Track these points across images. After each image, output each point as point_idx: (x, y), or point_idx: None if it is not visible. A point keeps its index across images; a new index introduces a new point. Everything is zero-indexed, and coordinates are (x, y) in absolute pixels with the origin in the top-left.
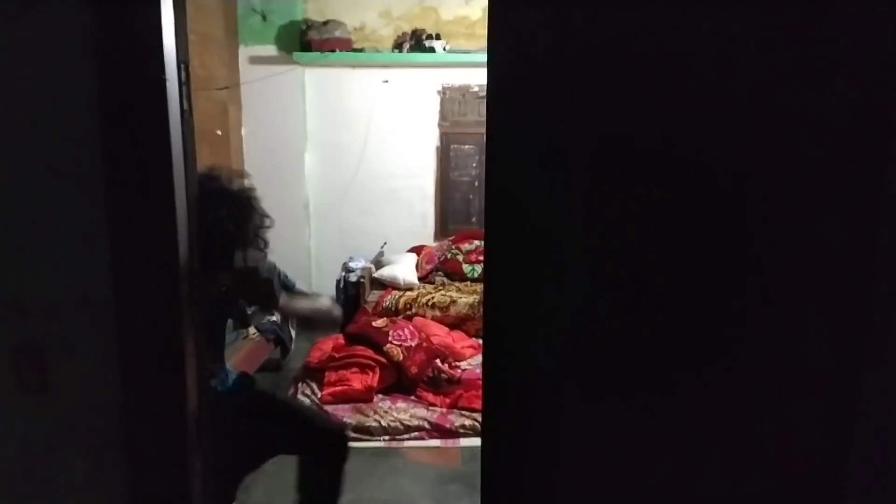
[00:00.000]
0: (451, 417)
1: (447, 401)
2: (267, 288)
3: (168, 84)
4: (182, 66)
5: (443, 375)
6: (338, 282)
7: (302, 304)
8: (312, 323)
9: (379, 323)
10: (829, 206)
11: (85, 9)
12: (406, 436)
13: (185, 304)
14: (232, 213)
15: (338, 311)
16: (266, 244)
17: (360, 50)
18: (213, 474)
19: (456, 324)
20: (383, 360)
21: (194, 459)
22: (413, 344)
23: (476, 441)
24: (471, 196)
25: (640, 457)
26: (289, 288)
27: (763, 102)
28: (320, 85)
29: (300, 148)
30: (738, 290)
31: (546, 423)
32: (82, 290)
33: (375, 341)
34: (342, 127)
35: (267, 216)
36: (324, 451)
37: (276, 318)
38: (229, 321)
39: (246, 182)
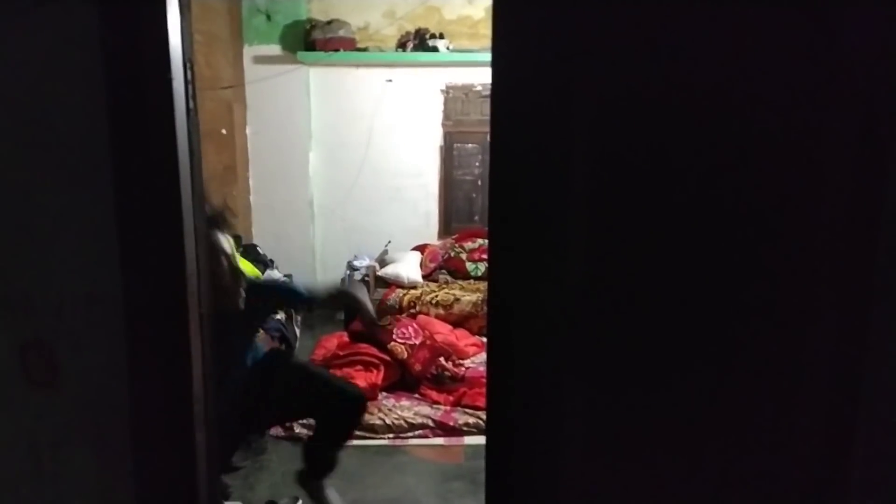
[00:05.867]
0: (455, 415)
1: (451, 399)
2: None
3: (174, 83)
4: (187, 65)
5: (446, 373)
6: (342, 280)
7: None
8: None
9: (383, 321)
10: (831, 206)
11: (92, 8)
12: (410, 434)
13: (192, 299)
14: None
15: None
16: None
17: (364, 49)
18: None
19: (459, 322)
20: (387, 357)
21: (202, 453)
22: (417, 342)
23: (480, 439)
24: (474, 195)
25: (642, 454)
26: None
27: (764, 103)
28: (324, 84)
29: (305, 147)
30: (739, 289)
31: (550, 420)
32: (91, 286)
33: (379, 339)
34: (346, 126)
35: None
36: (343, 410)
37: (280, 316)
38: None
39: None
